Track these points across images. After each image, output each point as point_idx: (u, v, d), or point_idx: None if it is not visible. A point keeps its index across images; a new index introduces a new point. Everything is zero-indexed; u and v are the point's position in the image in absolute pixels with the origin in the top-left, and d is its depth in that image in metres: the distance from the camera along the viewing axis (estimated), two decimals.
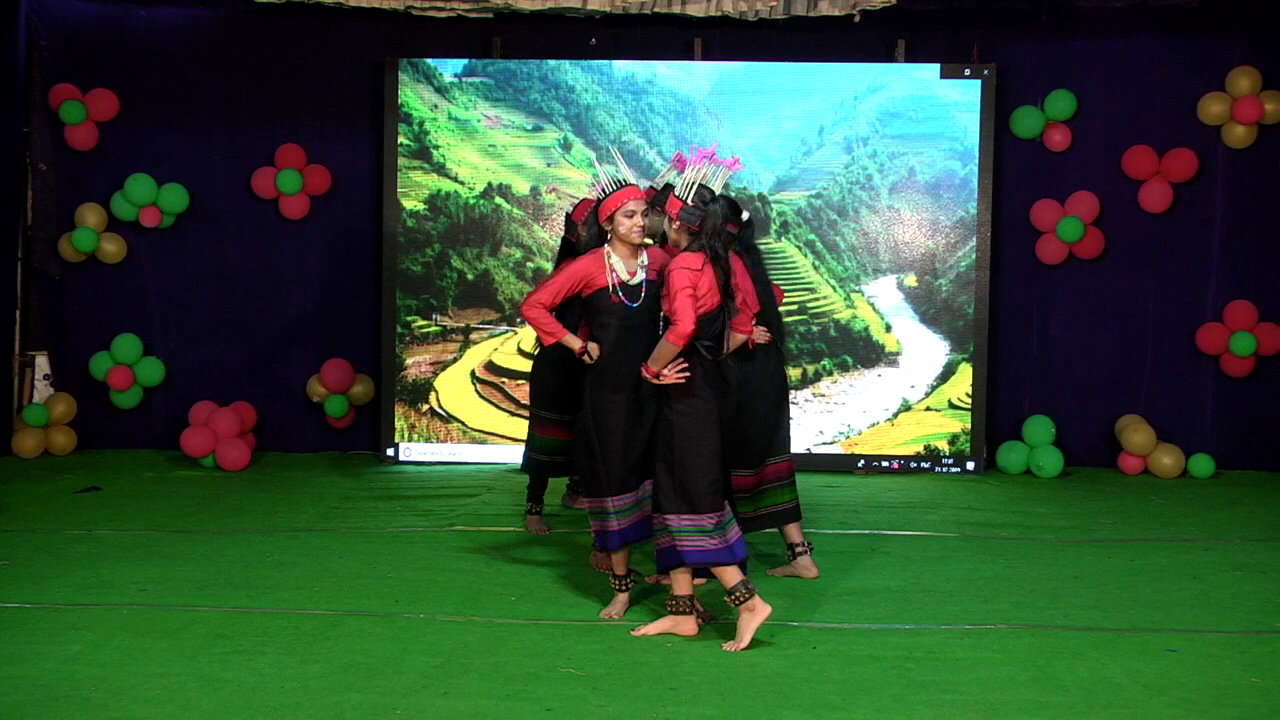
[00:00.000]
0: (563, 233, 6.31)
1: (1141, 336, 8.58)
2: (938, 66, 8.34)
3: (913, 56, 8.48)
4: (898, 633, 4.84)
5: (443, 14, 7.63)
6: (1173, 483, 8.17)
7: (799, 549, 5.63)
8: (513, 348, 8.21)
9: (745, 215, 5.43)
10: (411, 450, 8.49)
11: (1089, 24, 8.44)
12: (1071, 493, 7.81)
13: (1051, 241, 8.46)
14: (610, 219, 4.88)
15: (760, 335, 5.41)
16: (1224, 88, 8.32)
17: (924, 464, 8.37)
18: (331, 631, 4.76)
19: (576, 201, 6.11)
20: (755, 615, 4.63)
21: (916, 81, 8.09)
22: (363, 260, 8.74)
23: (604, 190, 4.91)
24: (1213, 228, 8.50)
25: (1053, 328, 8.63)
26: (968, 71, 8.32)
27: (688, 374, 4.67)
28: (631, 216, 4.86)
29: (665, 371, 4.67)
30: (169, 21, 8.70)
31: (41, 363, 8.81)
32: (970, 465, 8.38)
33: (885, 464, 8.39)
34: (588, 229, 5.10)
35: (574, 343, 4.94)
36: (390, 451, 8.51)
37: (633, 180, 4.95)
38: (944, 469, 8.37)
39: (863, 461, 8.39)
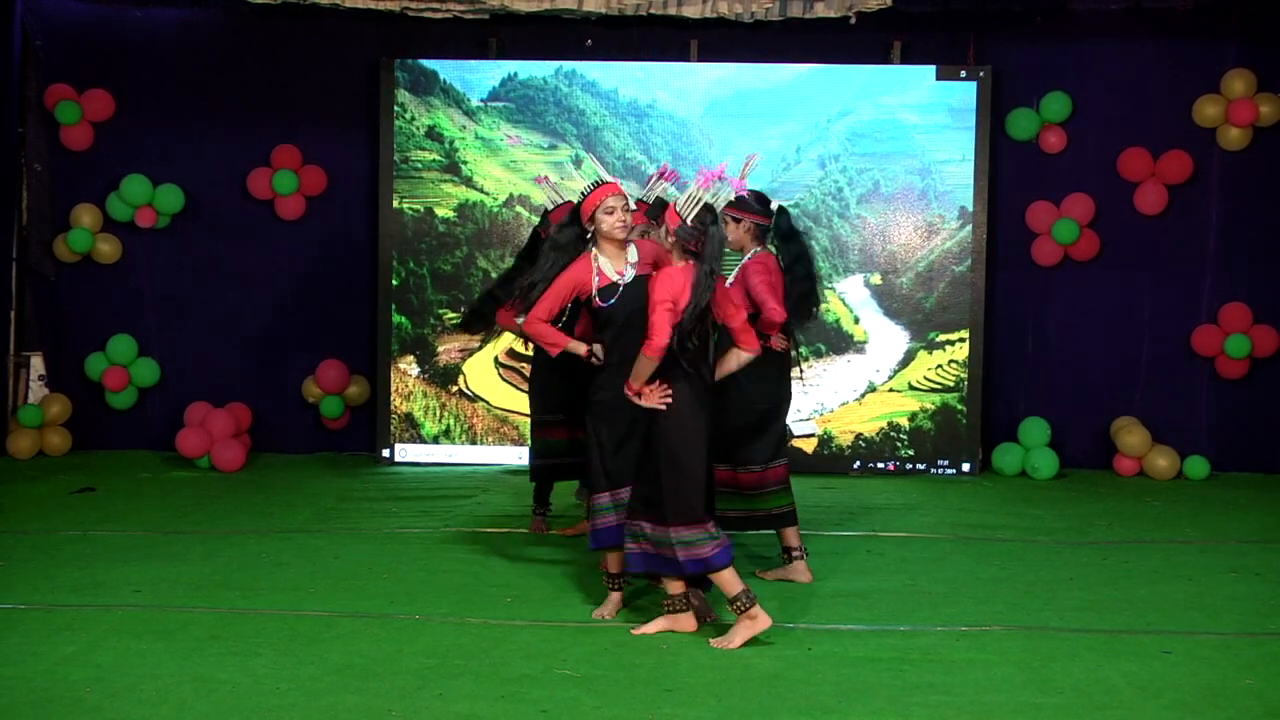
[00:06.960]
0: (533, 226, 6.35)
1: (1137, 338, 8.59)
2: (933, 68, 8.38)
3: (908, 58, 8.50)
4: (893, 634, 4.84)
5: (439, 15, 7.64)
6: (1168, 484, 8.18)
7: (795, 553, 5.61)
8: None
9: (774, 205, 5.37)
10: (407, 451, 8.54)
11: (1084, 26, 8.45)
12: (1067, 494, 7.82)
13: (1047, 243, 8.47)
14: (591, 218, 4.87)
15: (779, 343, 5.38)
16: (1219, 90, 8.33)
17: (919, 465, 8.41)
18: (327, 633, 4.75)
19: (559, 201, 6.12)
20: (755, 624, 4.62)
21: (881, 107, 8.55)
22: (359, 261, 8.75)
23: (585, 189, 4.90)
24: (1208, 230, 8.51)
25: (1048, 329, 8.64)
26: (963, 73, 8.34)
27: (669, 399, 4.59)
28: (611, 213, 4.82)
29: (647, 391, 4.61)
30: (165, 22, 8.70)
31: (36, 363, 8.80)
32: (965, 467, 8.39)
33: (880, 465, 8.43)
34: (561, 230, 5.04)
35: (579, 348, 4.94)
36: (385, 452, 8.53)
37: (609, 178, 4.92)
38: (939, 470, 8.40)
39: (858, 463, 8.43)
